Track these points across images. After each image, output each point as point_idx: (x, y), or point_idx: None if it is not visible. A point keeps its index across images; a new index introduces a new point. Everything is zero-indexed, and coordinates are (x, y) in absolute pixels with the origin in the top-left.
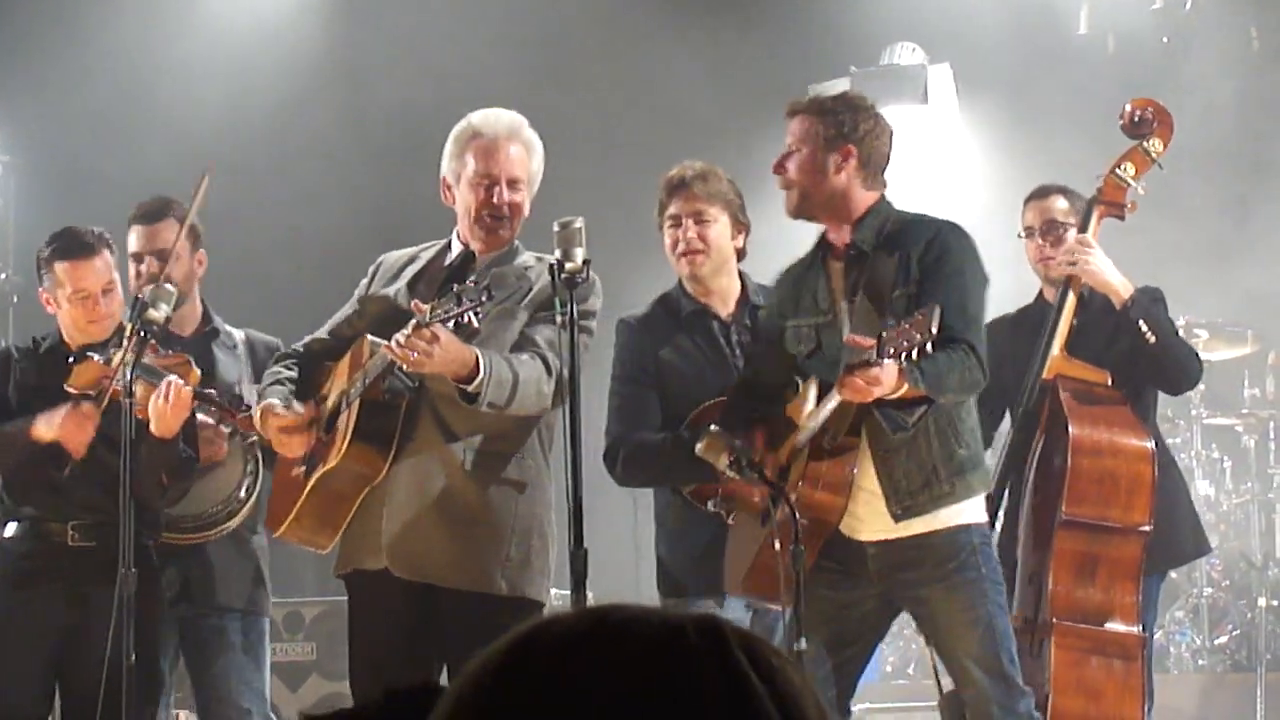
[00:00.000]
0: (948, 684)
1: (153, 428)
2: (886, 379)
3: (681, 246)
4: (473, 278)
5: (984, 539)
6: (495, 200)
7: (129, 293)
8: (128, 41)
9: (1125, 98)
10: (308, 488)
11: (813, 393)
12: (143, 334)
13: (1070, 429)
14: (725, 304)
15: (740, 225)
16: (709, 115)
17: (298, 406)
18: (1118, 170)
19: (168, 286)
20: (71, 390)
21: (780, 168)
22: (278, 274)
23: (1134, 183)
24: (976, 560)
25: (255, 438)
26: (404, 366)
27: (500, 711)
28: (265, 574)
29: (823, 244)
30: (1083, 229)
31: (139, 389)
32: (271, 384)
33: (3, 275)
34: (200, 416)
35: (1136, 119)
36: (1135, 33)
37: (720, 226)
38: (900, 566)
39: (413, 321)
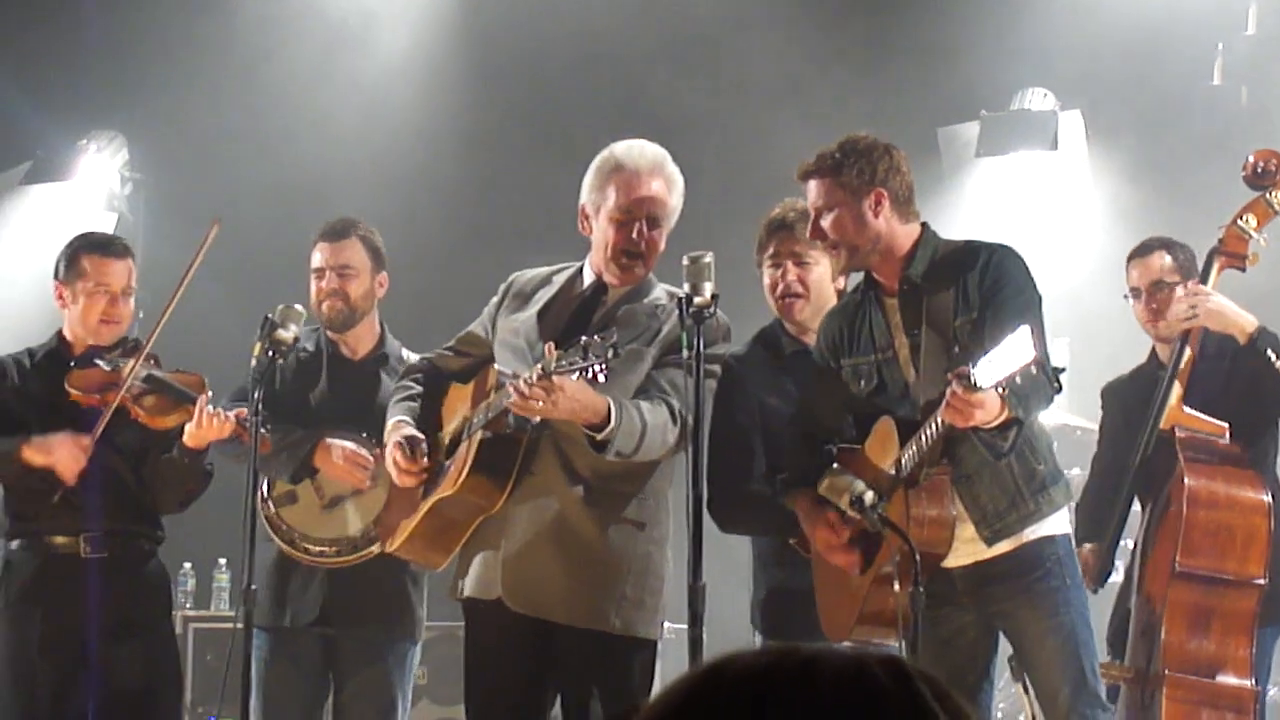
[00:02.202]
0: None
1: (187, 439)
2: (991, 404)
3: (780, 289)
4: (598, 334)
5: (1067, 550)
6: (634, 236)
7: (309, 308)
8: (254, 60)
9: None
10: (423, 510)
11: (893, 430)
12: (270, 353)
13: (1186, 480)
14: None
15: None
16: None
17: (424, 451)
18: (1239, 221)
19: (297, 307)
20: (74, 393)
21: (817, 233)
22: (403, 287)
23: (1256, 234)
24: (1060, 570)
25: None
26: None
27: None
28: (416, 598)
29: (870, 283)
30: (1203, 280)
31: (150, 400)
32: (399, 400)
33: None
34: (351, 446)
35: (1259, 170)
36: (1269, 85)
37: (821, 269)
38: (986, 582)
39: (537, 368)
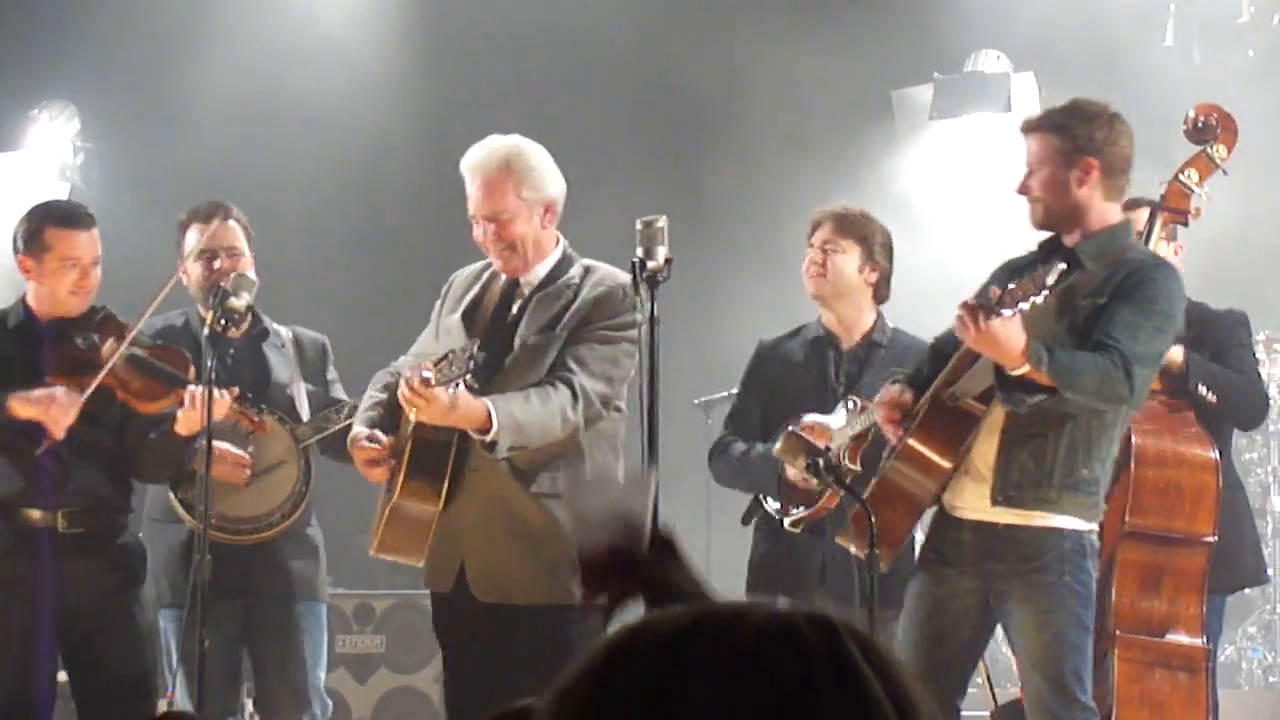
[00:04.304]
0: (1003, 696)
1: (180, 427)
2: (1003, 338)
3: (811, 270)
4: (459, 347)
5: (1076, 547)
6: (480, 236)
7: (202, 289)
8: (206, 32)
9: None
10: (384, 516)
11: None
12: (224, 322)
13: (1134, 439)
14: (850, 335)
15: (874, 264)
16: (790, 119)
17: (380, 437)
18: (1181, 176)
19: (249, 275)
20: (51, 375)
21: (1024, 188)
22: (338, 273)
23: (1198, 189)
24: (1061, 566)
25: (308, 440)
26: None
27: (605, 713)
28: (321, 563)
29: (1054, 243)
30: (1147, 236)
31: (138, 384)
32: (365, 409)
33: None
34: (226, 447)
35: (1200, 124)
36: (1221, 46)
37: (848, 257)
38: (989, 555)
39: (405, 379)
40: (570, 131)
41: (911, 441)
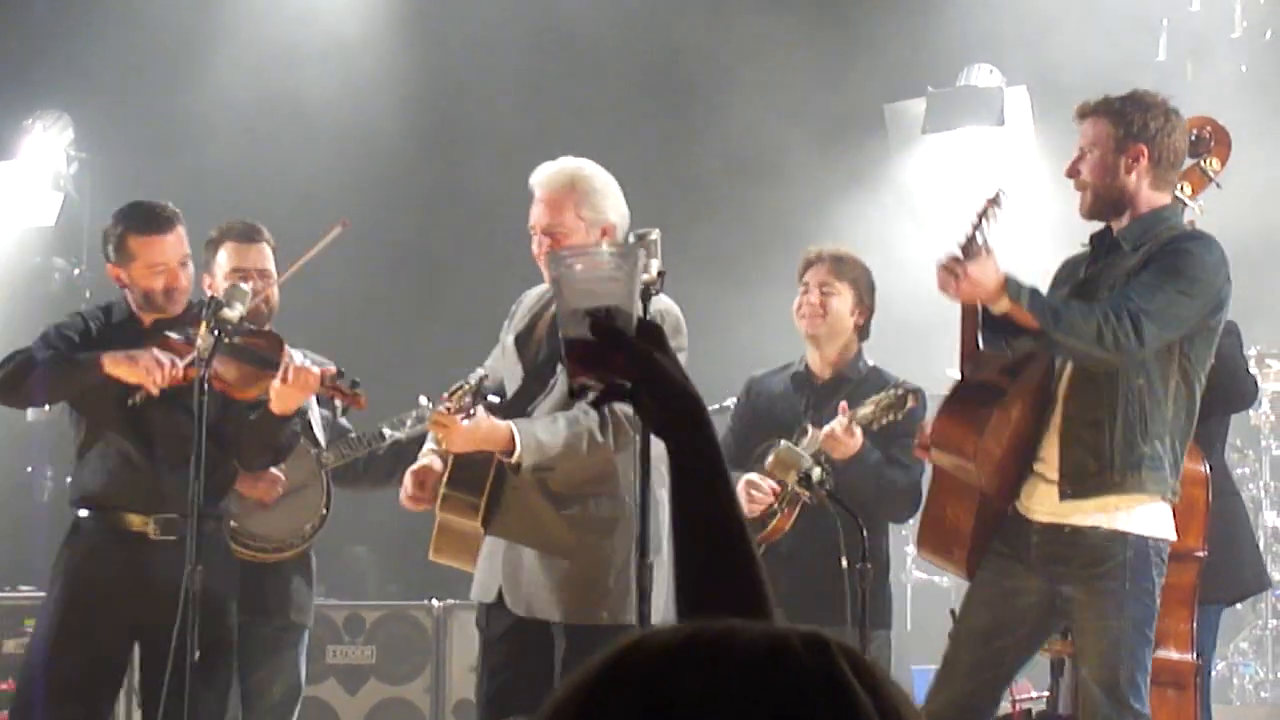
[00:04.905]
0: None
1: (274, 405)
2: (978, 272)
3: (805, 310)
4: (466, 380)
5: (1140, 553)
6: (535, 249)
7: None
8: (200, 42)
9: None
10: (436, 526)
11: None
12: (217, 332)
13: None
14: (827, 371)
15: (863, 306)
16: (783, 133)
17: (434, 461)
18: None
19: (242, 285)
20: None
21: (1073, 171)
22: (336, 274)
23: (1191, 202)
24: (1123, 572)
25: (328, 462)
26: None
27: None
28: (313, 589)
29: (1104, 234)
30: None
31: (232, 373)
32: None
33: (77, 270)
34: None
35: (1194, 137)
36: (1214, 60)
37: (843, 299)
38: (1054, 559)
39: (433, 409)
40: (570, 132)
41: (938, 423)
